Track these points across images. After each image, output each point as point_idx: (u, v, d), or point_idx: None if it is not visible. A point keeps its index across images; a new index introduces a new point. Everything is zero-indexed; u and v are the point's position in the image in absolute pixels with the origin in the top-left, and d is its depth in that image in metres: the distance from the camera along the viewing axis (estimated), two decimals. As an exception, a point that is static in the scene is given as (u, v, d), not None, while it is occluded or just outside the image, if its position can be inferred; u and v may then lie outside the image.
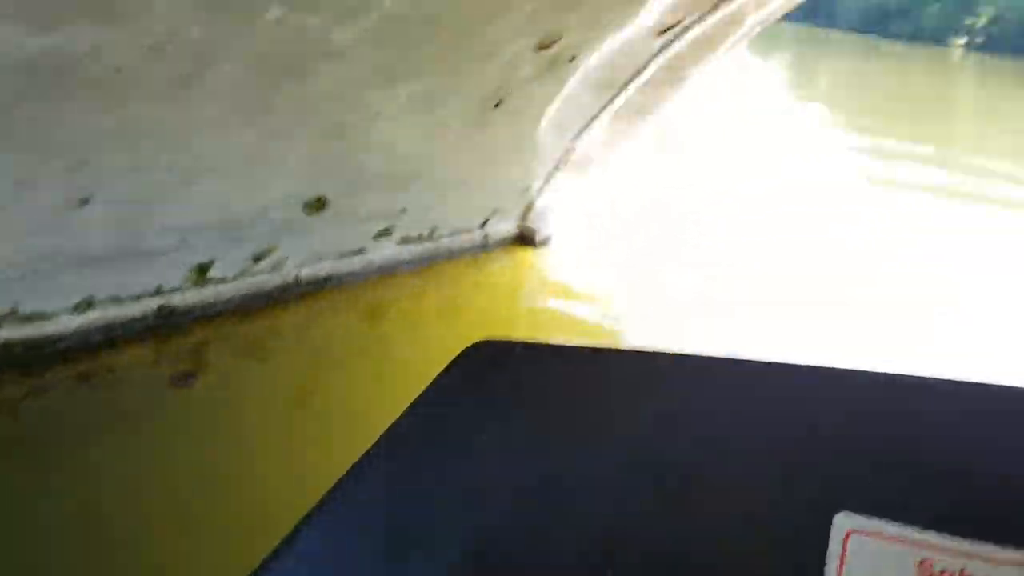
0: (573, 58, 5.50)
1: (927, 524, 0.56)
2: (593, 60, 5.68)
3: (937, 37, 56.17)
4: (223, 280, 4.91)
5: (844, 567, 0.55)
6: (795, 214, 9.36)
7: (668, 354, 0.74)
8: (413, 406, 0.73)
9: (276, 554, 0.62)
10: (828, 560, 0.56)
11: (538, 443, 0.68)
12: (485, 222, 6.54)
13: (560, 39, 5.16)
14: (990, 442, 0.62)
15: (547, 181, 6.90)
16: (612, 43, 5.60)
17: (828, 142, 15.63)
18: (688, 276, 7.03)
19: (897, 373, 0.67)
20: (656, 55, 6.35)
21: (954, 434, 0.63)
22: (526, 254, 6.73)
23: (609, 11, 5.13)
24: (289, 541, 0.63)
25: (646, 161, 10.53)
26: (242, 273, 4.97)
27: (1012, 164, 14.96)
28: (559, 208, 7.12)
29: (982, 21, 58.43)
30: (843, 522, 0.57)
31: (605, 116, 6.74)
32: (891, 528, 0.56)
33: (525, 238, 6.92)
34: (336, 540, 0.64)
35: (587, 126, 6.74)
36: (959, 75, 41.30)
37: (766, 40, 33.56)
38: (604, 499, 0.62)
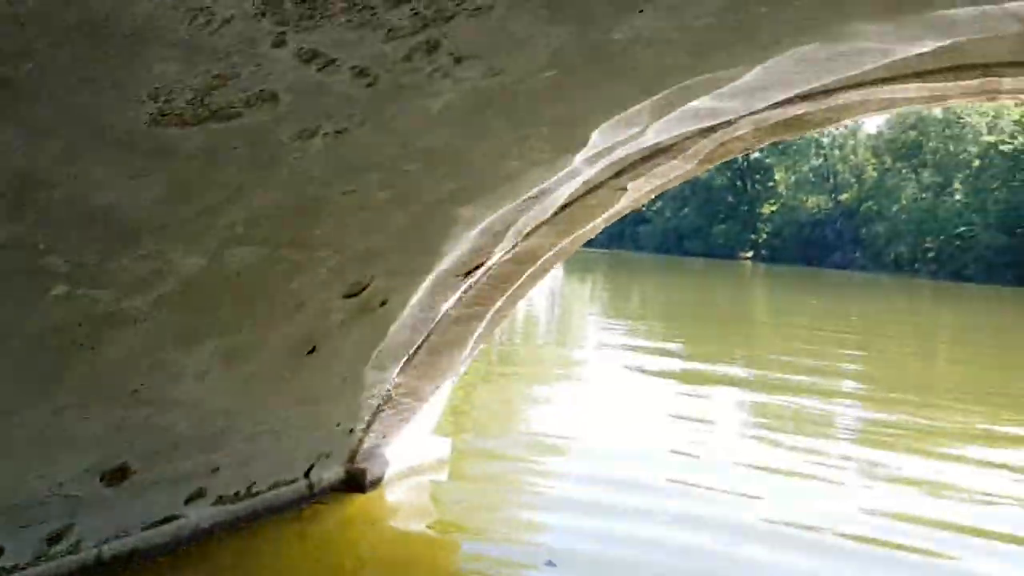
0: (384, 302, 5.73)
1: None
2: (405, 301, 5.94)
3: (727, 253, 63.91)
4: (15, 569, 4.44)
5: None
6: (624, 419, 10.54)
7: None
8: None
9: None
10: None
11: None
12: (309, 469, 6.35)
13: (368, 286, 5.39)
14: None
15: (374, 419, 6.87)
16: (421, 284, 5.91)
17: (642, 348, 17.36)
18: (520, 497, 7.20)
19: None
20: (466, 293, 6.76)
21: None
22: (356, 500, 6.53)
23: (412, 259, 5.47)
24: None
25: (476, 389, 10.86)
26: (37, 559, 4.52)
27: (801, 357, 17.10)
28: (388, 446, 7.05)
29: (763, 236, 66.84)
30: None
31: (425, 351, 6.95)
32: None
33: (354, 481, 6.75)
34: None
35: (409, 361, 6.89)
36: (750, 284, 46.30)
37: (580, 263, 36.44)
38: None
